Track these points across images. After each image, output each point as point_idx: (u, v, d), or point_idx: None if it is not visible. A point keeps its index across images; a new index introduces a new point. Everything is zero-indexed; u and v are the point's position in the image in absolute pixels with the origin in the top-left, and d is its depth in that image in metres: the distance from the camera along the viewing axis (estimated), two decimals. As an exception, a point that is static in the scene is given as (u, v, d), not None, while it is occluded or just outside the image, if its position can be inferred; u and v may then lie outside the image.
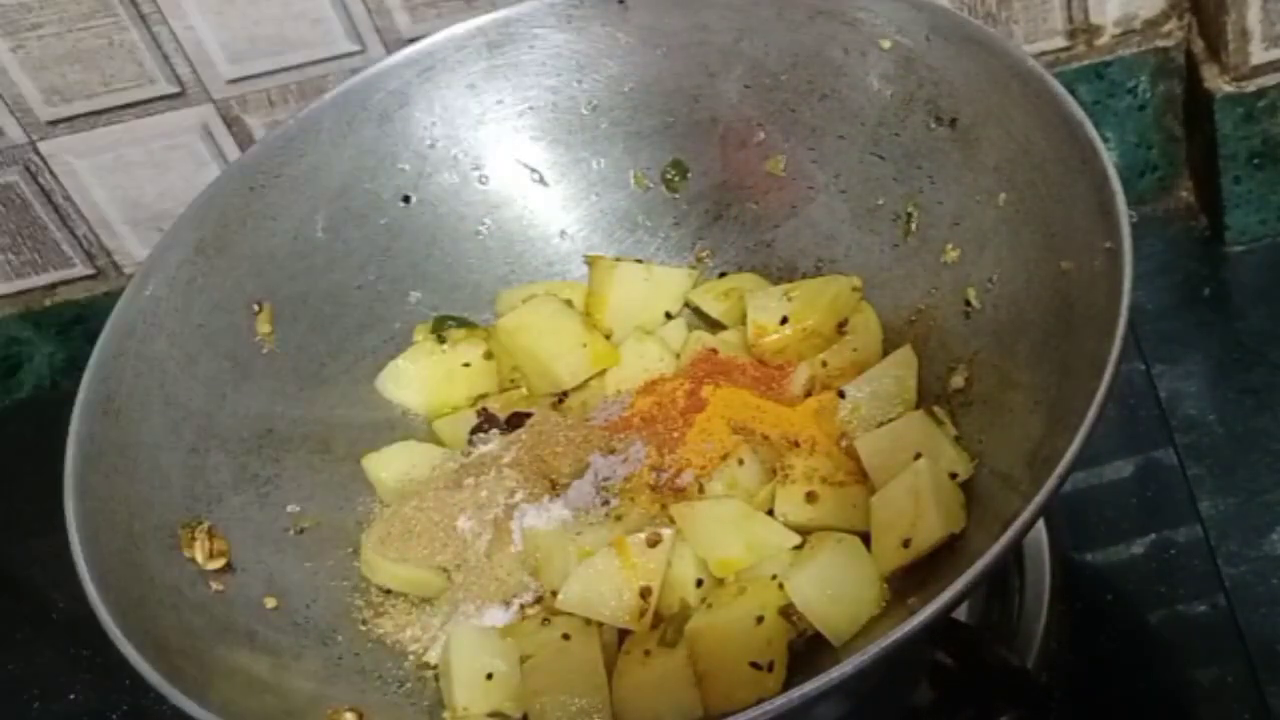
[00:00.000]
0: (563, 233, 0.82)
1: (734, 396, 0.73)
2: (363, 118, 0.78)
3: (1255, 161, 0.88)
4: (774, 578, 0.66)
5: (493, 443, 0.75)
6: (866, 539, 0.66)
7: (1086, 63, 0.89)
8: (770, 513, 0.69)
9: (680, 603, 0.66)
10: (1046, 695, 0.71)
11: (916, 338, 0.73)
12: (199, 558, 0.68)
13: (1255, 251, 0.91)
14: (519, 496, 0.72)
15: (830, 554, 0.65)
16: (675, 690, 0.63)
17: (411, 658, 0.70)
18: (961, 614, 0.72)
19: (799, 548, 0.67)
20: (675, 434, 0.72)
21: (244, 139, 0.92)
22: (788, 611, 0.65)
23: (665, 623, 0.66)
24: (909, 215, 0.74)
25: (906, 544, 0.64)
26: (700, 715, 0.63)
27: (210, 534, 0.69)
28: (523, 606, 0.69)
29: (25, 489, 0.95)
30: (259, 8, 0.86)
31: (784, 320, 0.74)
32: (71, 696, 0.87)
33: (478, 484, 0.72)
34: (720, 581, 0.67)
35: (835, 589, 0.64)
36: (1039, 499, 0.54)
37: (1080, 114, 0.64)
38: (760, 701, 0.53)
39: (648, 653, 0.65)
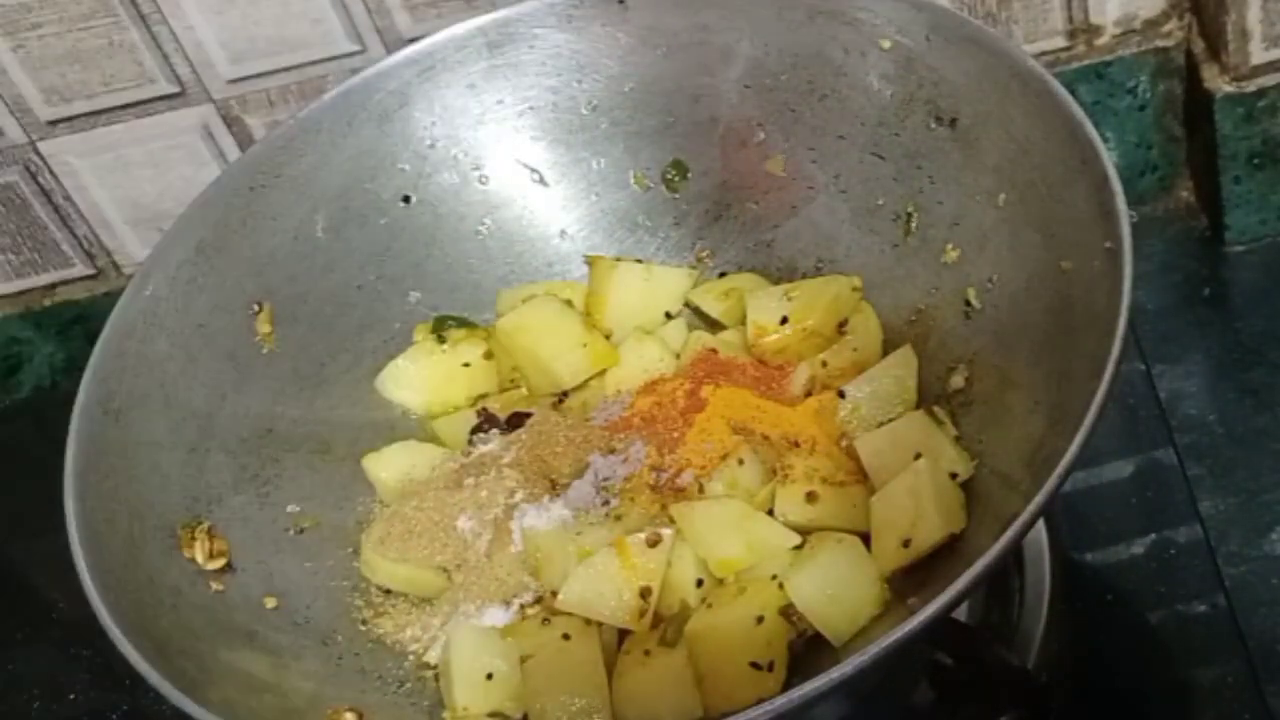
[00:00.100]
0: (563, 233, 0.82)
1: (734, 396, 0.73)
2: (363, 118, 0.78)
3: (1255, 161, 0.88)
4: (774, 578, 0.66)
5: (493, 443, 0.75)
6: (866, 539, 0.66)
7: (1086, 63, 0.89)
8: (770, 513, 0.69)
9: (680, 603, 0.66)
10: (1046, 695, 0.71)
11: (916, 338, 0.73)
12: (199, 558, 0.68)
13: (1255, 251, 0.91)
14: (519, 496, 0.72)
15: (830, 554, 0.65)
16: (675, 690, 0.63)
17: (411, 658, 0.70)
18: (961, 614, 0.72)
19: (799, 548, 0.67)
20: (675, 434, 0.72)
21: (244, 139, 0.92)
22: (788, 611, 0.65)
23: (665, 623, 0.66)
24: (909, 215, 0.74)
25: (906, 544, 0.64)
26: (700, 715, 0.63)
27: (210, 534, 0.69)
28: (523, 606, 0.69)
29: (25, 489, 0.96)
30: (259, 8, 0.86)
31: (784, 320, 0.74)
32: (71, 696, 0.87)
33: (478, 484, 0.72)
34: (720, 581, 0.67)
35: (835, 589, 0.64)
36: (1039, 499, 0.54)
37: (1080, 114, 0.64)
38: (760, 701, 0.53)
39: (648, 653, 0.65)
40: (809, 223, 0.78)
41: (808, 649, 0.65)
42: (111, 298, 0.73)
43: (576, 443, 0.73)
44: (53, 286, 1.01)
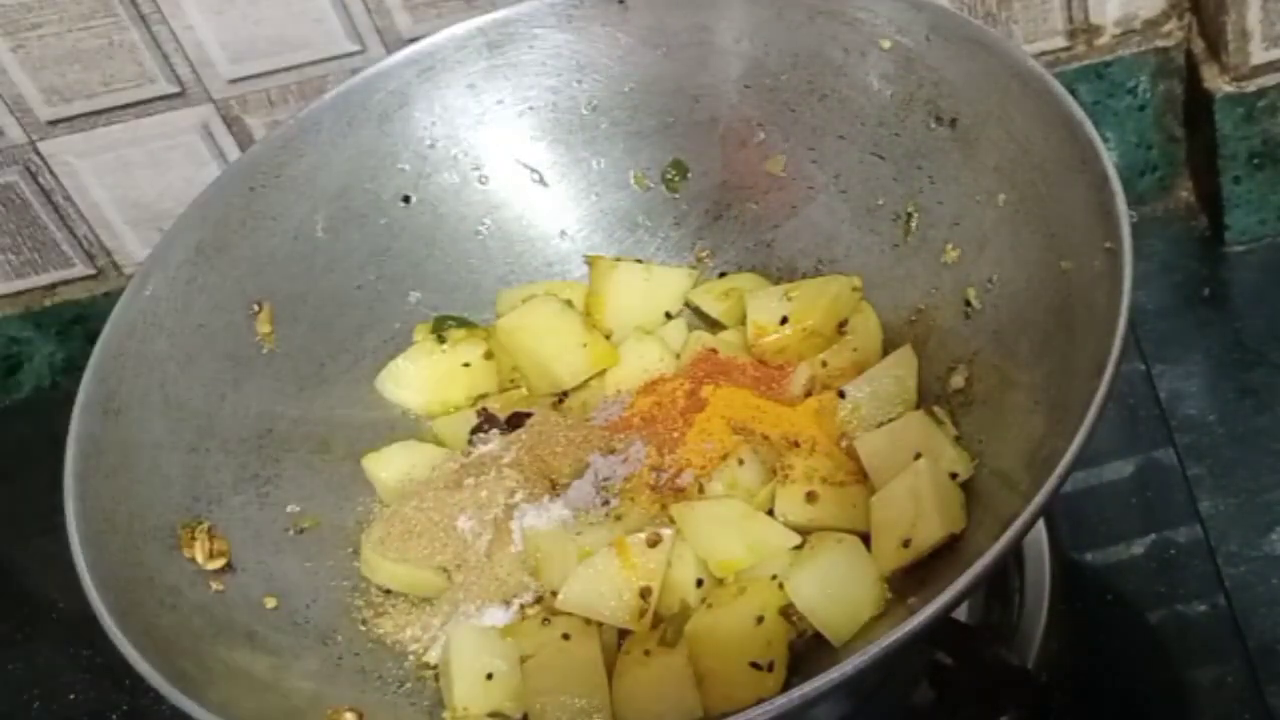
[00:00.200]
0: (563, 233, 0.82)
1: (734, 396, 0.73)
2: (363, 118, 0.78)
3: (1255, 161, 0.88)
4: (774, 578, 0.66)
5: (493, 443, 0.75)
6: (866, 539, 0.66)
7: (1086, 63, 0.89)
8: (770, 513, 0.69)
9: (680, 603, 0.66)
10: (1046, 695, 0.71)
11: (916, 338, 0.73)
12: (199, 558, 0.68)
13: (1255, 251, 0.91)
14: (519, 496, 0.72)
15: (830, 554, 0.65)
16: (675, 690, 0.63)
17: (411, 658, 0.70)
18: (961, 614, 0.72)
19: (799, 548, 0.67)
20: (675, 434, 0.72)
21: (244, 139, 0.92)
22: (788, 611, 0.65)
23: (665, 623, 0.66)
24: (909, 215, 0.74)
25: (906, 544, 0.64)
26: (700, 715, 0.63)
27: (210, 534, 0.69)
28: (523, 606, 0.69)
29: (25, 489, 0.96)
30: (259, 8, 0.86)
31: (784, 320, 0.74)
32: (71, 696, 0.87)
33: (478, 484, 0.72)
34: (720, 581, 0.67)
35: (835, 589, 0.64)
36: (1039, 499, 0.54)
37: (1080, 114, 0.64)
38: (760, 701, 0.53)
39: (648, 653, 0.65)
40: (809, 223, 0.78)
41: (808, 649, 0.65)
42: (111, 298, 0.73)
43: (576, 443, 0.73)
44: (53, 286, 1.01)
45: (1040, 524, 0.75)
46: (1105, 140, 0.75)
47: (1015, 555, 0.75)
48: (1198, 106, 0.89)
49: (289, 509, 0.73)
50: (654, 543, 0.67)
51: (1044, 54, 0.88)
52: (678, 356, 0.77)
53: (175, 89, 0.90)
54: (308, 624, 0.69)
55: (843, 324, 0.75)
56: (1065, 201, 0.64)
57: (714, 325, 0.79)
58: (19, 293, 1.01)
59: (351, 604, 0.71)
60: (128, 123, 0.91)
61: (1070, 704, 0.72)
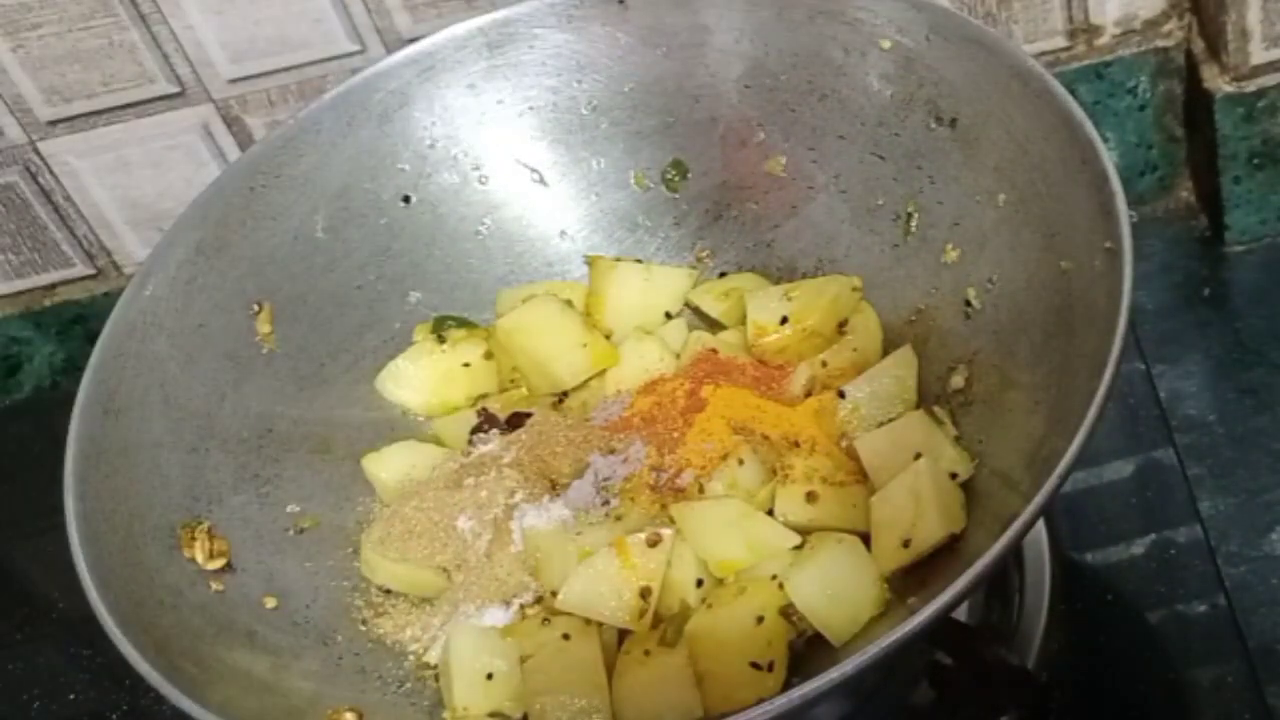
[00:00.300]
0: (563, 233, 0.82)
1: (734, 396, 0.73)
2: (363, 118, 0.78)
3: (1255, 161, 0.88)
4: (774, 578, 0.66)
5: (493, 443, 0.75)
6: (866, 539, 0.66)
7: (1086, 63, 0.89)
8: (770, 513, 0.69)
9: (680, 603, 0.66)
10: (1046, 695, 0.71)
11: (916, 338, 0.73)
12: (199, 558, 0.68)
13: (1255, 251, 0.91)
14: (519, 496, 0.72)
15: (830, 554, 0.65)
16: (675, 690, 0.63)
17: (411, 658, 0.70)
18: (961, 614, 0.72)
19: (799, 548, 0.67)
20: (675, 434, 0.72)
21: (244, 139, 0.92)
22: (788, 611, 0.65)
23: (665, 623, 0.66)
24: (909, 215, 0.74)
25: (906, 544, 0.64)
26: (700, 715, 0.63)
27: (210, 534, 0.69)
28: (523, 606, 0.69)
29: (25, 489, 0.96)
30: (259, 8, 0.86)
31: (784, 320, 0.74)
32: (71, 696, 0.87)
33: (478, 484, 0.72)
34: (720, 581, 0.67)
35: (835, 589, 0.64)
36: (1039, 499, 0.54)
37: (1080, 114, 0.64)
38: (760, 701, 0.53)
39: (648, 653, 0.65)
40: (809, 223, 0.78)
41: (808, 649, 0.65)
42: (111, 298, 0.73)
43: (576, 443, 0.73)
44: (53, 286, 1.01)
45: (1040, 524, 0.75)
46: (1105, 140, 0.75)
47: (1015, 555, 0.75)
48: (1198, 106, 0.89)
49: (289, 509, 0.73)
50: (654, 543, 0.67)
51: (1044, 54, 0.88)
52: (678, 356, 0.77)
53: (175, 89, 0.90)
54: (308, 624, 0.69)
55: (843, 324, 0.75)
56: (1065, 201, 0.64)
57: (714, 325, 0.79)
58: (19, 293, 1.01)
59: (351, 604, 0.71)
60: (128, 123, 0.91)
61: (1070, 704, 0.72)
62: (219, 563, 0.68)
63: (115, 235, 0.97)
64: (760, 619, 0.64)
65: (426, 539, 0.71)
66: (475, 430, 0.76)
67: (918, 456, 0.66)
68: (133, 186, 0.95)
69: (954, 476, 0.66)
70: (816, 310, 0.74)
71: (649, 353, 0.77)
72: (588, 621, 0.66)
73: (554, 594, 0.67)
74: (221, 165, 0.92)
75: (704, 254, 0.81)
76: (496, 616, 0.69)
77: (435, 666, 0.69)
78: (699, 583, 0.67)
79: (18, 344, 1.03)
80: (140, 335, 0.71)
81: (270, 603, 0.69)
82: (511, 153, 0.80)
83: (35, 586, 0.95)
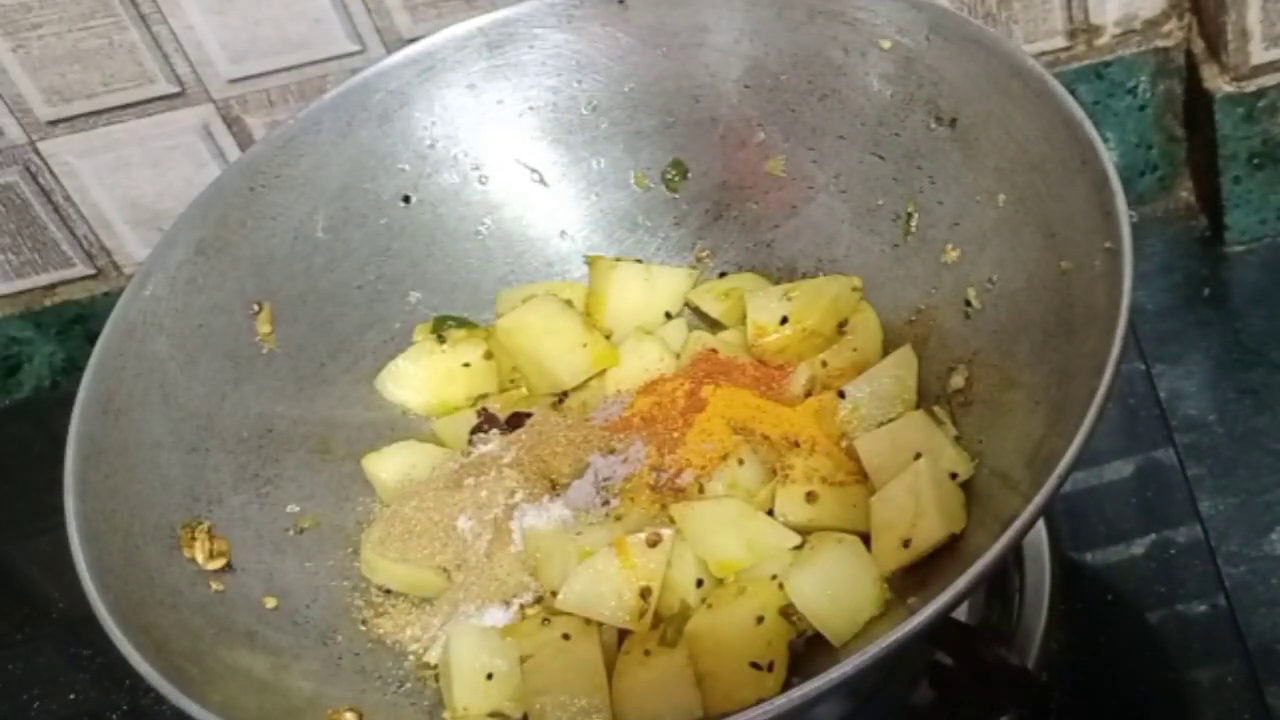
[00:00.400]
0: (563, 233, 0.82)
1: (734, 396, 0.73)
2: (363, 118, 0.78)
3: (1255, 161, 0.88)
4: (774, 578, 0.66)
5: (493, 443, 0.75)
6: (866, 539, 0.66)
7: (1086, 63, 0.89)
8: (770, 513, 0.69)
9: (680, 603, 0.66)
10: (1046, 695, 0.71)
11: (916, 338, 0.73)
12: (199, 558, 0.68)
13: (1255, 251, 0.91)
14: (519, 496, 0.72)
15: (830, 554, 0.65)
16: (675, 690, 0.63)
17: (411, 658, 0.70)
18: (961, 614, 0.72)
19: (799, 548, 0.67)
20: (675, 434, 0.72)
21: (244, 139, 0.92)
22: (788, 611, 0.65)
23: (665, 623, 0.66)
24: (909, 215, 0.74)
25: (906, 544, 0.64)
26: (700, 715, 0.63)
27: (210, 534, 0.69)
28: (523, 606, 0.69)
29: (25, 489, 0.96)
30: (259, 8, 0.86)
31: (784, 320, 0.74)
32: (71, 696, 0.87)
33: (478, 484, 0.72)
34: (720, 581, 0.67)
35: (835, 589, 0.64)
36: (1039, 499, 0.54)
37: (1080, 114, 0.64)
38: (760, 701, 0.53)
39: (648, 653, 0.65)
40: (809, 223, 0.78)
41: (808, 649, 0.65)
42: (111, 298, 0.73)
43: (576, 443, 0.73)
44: (53, 286, 1.01)
45: (1040, 524, 0.75)
46: (1105, 140, 0.75)
47: (1015, 555, 0.75)
48: (1198, 106, 0.89)
49: (289, 509, 0.73)
50: (654, 543, 0.67)
51: (1044, 54, 0.88)
52: (678, 356, 0.77)
53: (175, 89, 0.90)
54: (308, 624, 0.69)
55: (843, 324, 0.75)
56: (1065, 201, 0.64)
57: (714, 325, 0.79)
58: (19, 293, 1.01)
59: (351, 604, 0.71)
60: (128, 123, 0.91)
61: (1070, 704, 0.72)
62: (219, 563, 0.68)
63: (115, 235, 0.97)
64: (760, 619, 0.64)
65: (426, 539, 0.71)
66: (475, 430, 0.76)
67: (918, 456, 0.66)
68: (133, 186, 0.95)
69: (954, 476, 0.66)
70: (816, 310, 0.74)
71: (649, 353, 0.77)
72: (588, 621, 0.66)
73: (554, 594, 0.67)
74: (221, 165, 0.92)
75: (704, 254, 0.81)
76: (496, 616, 0.69)
77: (435, 666, 0.69)
78: (699, 583, 0.67)
79: (18, 344, 1.03)
80: (140, 335, 0.71)
81: (270, 603, 0.69)
82: (511, 153, 0.80)
83: (35, 586, 0.95)
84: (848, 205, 0.76)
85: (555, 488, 0.72)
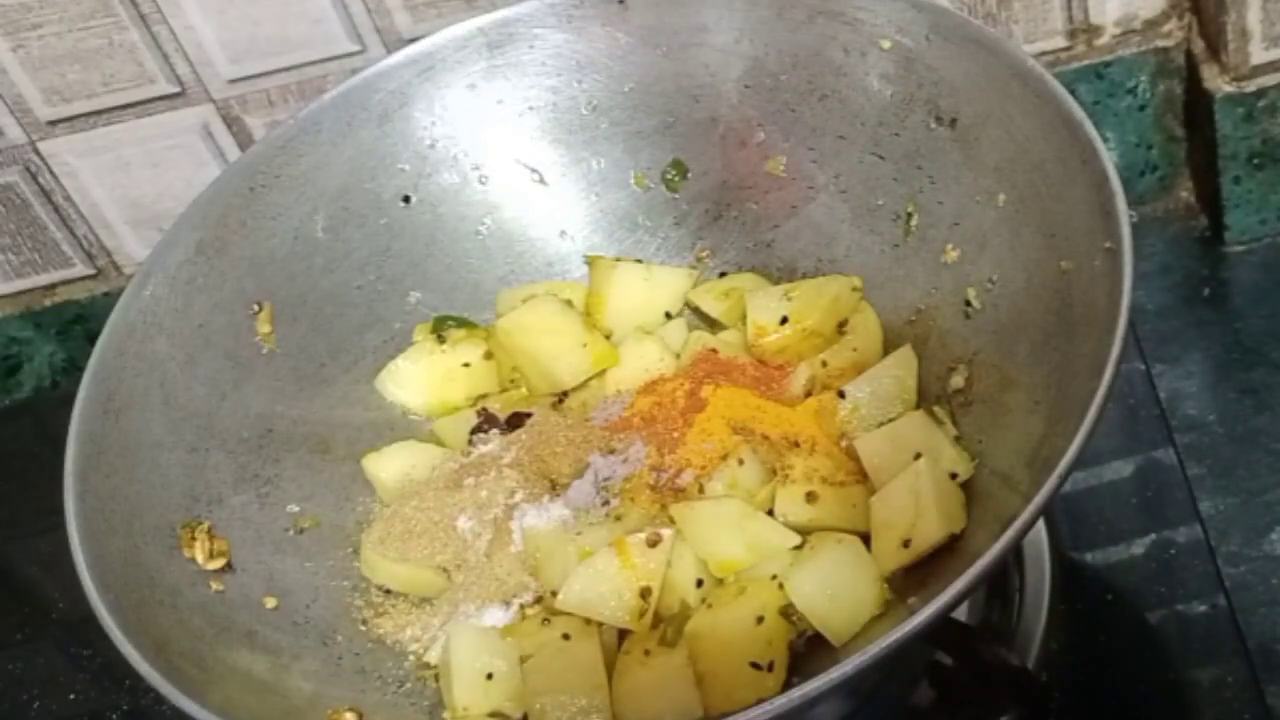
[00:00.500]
0: (563, 233, 0.82)
1: (734, 396, 0.73)
2: (363, 118, 0.78)
3: (1255, 161, 0.88)
4: (774, 578, 0.66)
5: (493, 443, 0.75)
6: (866, 539, 0.66)
7: (1086, 63, 0.89)
8: (770, 513, 0.69)
9: (680, 603, 0.66)
10: (1046, 695, 0.71)
11: (916, 338, 0.73)
12: (199, 558, 0.68)
13: (1255, 251, 0.91)
14: (519, 496, 0.72)
15: (830, 554, 0.65)
16: (675, 690, 0.63)
17: (411, 658, 0.70)
18: (961, 614, 0.72)
19: (799, 548, 0.67)
20: (675, 434, 0.72)
21: (244, 139, 0.92)
22: (788, 611, 0.65)
23: (665, 623, 0.66)
24: (909, 215, 0.74)
25: (906, 544, 0.64)
26: (700, 715, 0.63)
27: (210, 534, 0.69)
28: (523, 606, 0.69)
29: (25, 489, 0.96)
30: (259, 8, 0.86)
31: (784, 320, 0.74)
32: (71, 696, 0.87)
33: (478, 484, 0.72)
34: (720, 581, 0.67)
35: (835, 589, 0.64)
36: (1039, 499, 0.54)
37: (1080, 114, 0.64)
38: (760, 701, 0.53)
39: (648, 653, 0.65)
40: (809, 223, 0.78)
41: (808, 649, 0.65)
42: (111, 298, 0.73)
43: (576, 443, 0.73)
44: (53, 286, 1.01)
45: (1040, 524, 0.75)
46: (1105, 140, 0.75)
47: (1015, 555, 0.75)
48: (1198, 106, 0.89)
49: (289, 509, 0.73)
50: (654, 543, 0.67)
51: (1044, 54, 0.88)
52: (678, 356, 0.77)
53: (175, 89, 0.90)
54: (308, 624, 0.69)
55: (843, 324, 0.75)
56: (1065, 201, 0.64)
57: (714, 325, 0.79)
58: (19, 293, 1.01)
59: (351, 604, 0.71)
60: (128, 123, 0.91)
61: (1070, 704, 0.72)
62: (219, 563, 0.68)
63: (115, 235, 0.97)
64: (760, 619, 0.64)
65: (426, 539, 0.71)
66: (475, 430, 0.76)
67: (918, 456, 0.66)
68: (133, 186, 0.95)
69: (954, 476, 0.66)
70: (816, 310, 0.74)
71: (649, 353, 0.77)
72: (588, 621, 0.66)
73: (554, 594, 0.67)
74: (221, 165, 0.92)
75: (704, 254, 0.81)
76: (496, 616, 0.69)
77: (435, 666, 0.69)
78: (699, 583, 0.67)
79: (18, 344, 1.03)
80: (140, 335, 0.71)
81: (270, 603, 0.69)
82: (511, 153, 0.80)
83: (35, 586, 0.95)
84: (848, 205, 0.76)
85: (555, 488, 0.72)
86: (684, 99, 0.79)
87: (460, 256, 0.81)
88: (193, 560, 0.67)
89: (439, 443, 0.77)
